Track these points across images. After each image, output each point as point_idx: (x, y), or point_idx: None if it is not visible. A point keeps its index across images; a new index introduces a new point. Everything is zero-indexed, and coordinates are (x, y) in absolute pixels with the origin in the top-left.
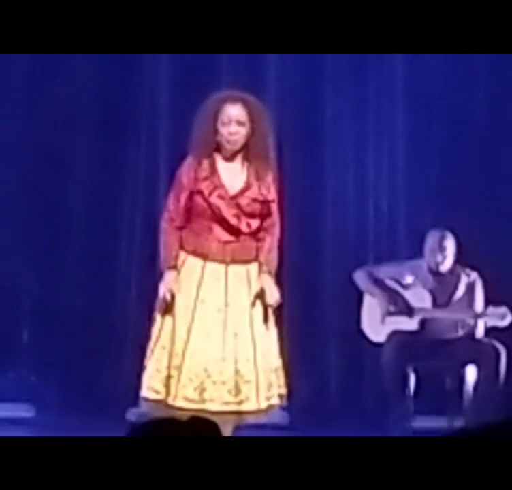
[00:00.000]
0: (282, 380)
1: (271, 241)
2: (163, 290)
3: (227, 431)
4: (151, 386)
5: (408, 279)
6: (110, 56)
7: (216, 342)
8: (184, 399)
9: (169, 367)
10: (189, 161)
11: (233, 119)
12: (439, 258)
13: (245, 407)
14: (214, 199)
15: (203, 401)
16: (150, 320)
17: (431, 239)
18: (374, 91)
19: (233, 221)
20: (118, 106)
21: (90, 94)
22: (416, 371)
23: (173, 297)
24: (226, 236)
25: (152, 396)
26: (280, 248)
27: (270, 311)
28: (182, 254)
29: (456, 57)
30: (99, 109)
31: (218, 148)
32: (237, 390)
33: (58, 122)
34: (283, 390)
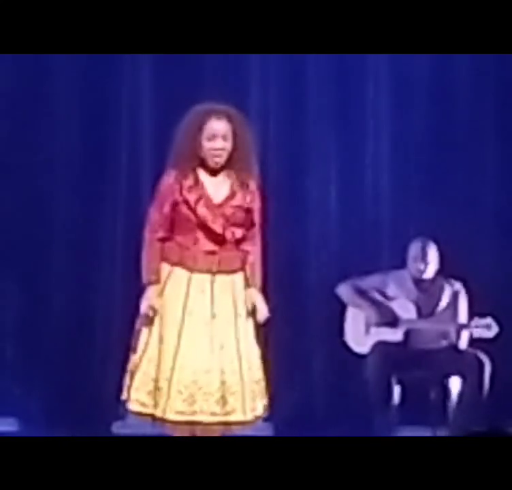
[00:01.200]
0: (264, 391)
1: (254, 252)
2: (144, 306)
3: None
4: (138, 399)
5: (392, 290)
6: (92, 62)
7: (204, 354)
8: (175, 411)
9: (157, 380)
10: (171, 172)
11: (219, 134)
12: (421, 266)
13: (232, 418)
14: (200, 208)
15: (193, 413)
16: (132, 333)
17: (413, 248)
18: (358, 99)
19: (219, 230)
20: (98, 116)
21: (72, 102)
22: (400, 382)
23: (155, 312)
24: (211, 246)
25: (139, 409)
26: (263, 259)
27: (254, 322)
28: (167, 267)
29: (440, 60)
30: (79, 122)
31: (201, 162)
32: (224, 402)
33: (38, 131)
34: (266, 402)
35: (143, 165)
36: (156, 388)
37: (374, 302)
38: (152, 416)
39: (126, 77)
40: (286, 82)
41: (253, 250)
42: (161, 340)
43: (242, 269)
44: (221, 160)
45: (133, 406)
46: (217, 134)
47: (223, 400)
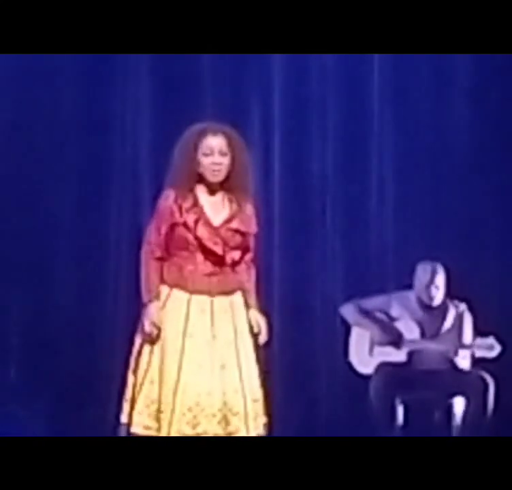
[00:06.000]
0: (264, 410)
1: (250, 276)
2: (147, 323)
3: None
4: (141, 422)
5: (396, 310)
6: (91, 80)
7: (206, 375)
8: (179, 433)
9: (159, 403)
10: (170, 193)
11: (216, 149)
12: (433, 292)
13: None
14: (199, 230)
15: (196, 435)
16: (131, 353)
17: (422, 273)
18: (361, 118)
19: (219, 251)
20: (99, 135)
21: (73, 117)
22: (404, 403)
23: (158, 330)
24: (210, 268)
25: (143, 432)
26: (268, 279)
27: (253, 341)
28: (166, 288)
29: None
30: (80, 138)
31: (200, 180)
32: (227, 422)
33: (40, 145)
34: (265, 420)
35: (145, 181)
36: (159, 411)
37: (378, 322)
38: None
39: (128, 94)
40: (287, 101)
41: (249, 274)
42: (162, 362)
43: (240, 289)
44: (220, 174)
45: (136, 429)
46: (214, 149)
47: (225, 421)
